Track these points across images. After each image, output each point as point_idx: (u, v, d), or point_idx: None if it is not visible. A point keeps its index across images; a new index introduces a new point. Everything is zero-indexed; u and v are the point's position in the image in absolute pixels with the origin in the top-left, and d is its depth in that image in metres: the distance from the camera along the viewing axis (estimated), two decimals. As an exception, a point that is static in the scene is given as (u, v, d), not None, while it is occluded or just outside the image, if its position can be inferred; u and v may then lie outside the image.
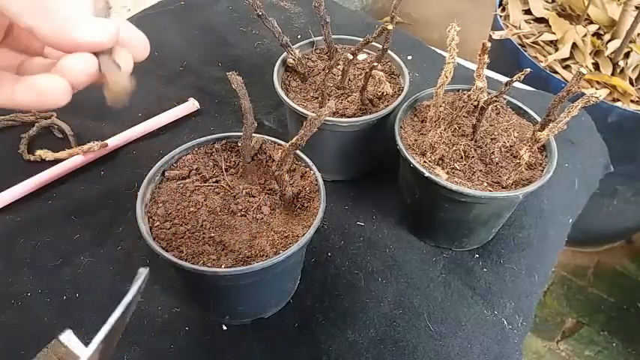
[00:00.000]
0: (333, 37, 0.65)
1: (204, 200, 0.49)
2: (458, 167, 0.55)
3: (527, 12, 1.22)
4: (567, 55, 1.12)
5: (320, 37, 0.66)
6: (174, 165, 0.52)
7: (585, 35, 1.14)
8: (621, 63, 1.11)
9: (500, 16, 1.21)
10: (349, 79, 0.64)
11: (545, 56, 1.14)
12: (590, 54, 1.12)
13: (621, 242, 1.50)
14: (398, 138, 0.55)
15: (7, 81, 0.28)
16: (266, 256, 0.44)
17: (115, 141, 0.68)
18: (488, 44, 0.51)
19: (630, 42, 1.09)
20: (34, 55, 0.32)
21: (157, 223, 0.46)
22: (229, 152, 0.54)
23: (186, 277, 0.50)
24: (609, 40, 1.13)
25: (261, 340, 0.52)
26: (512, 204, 0.57)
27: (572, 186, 0.71)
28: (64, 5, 0.26)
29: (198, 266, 0.43)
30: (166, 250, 0.44)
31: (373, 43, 0.61)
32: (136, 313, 0.53)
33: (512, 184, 0.53)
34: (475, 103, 0.58)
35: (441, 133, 0.56)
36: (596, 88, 1.10)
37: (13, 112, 0.71)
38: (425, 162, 0.54)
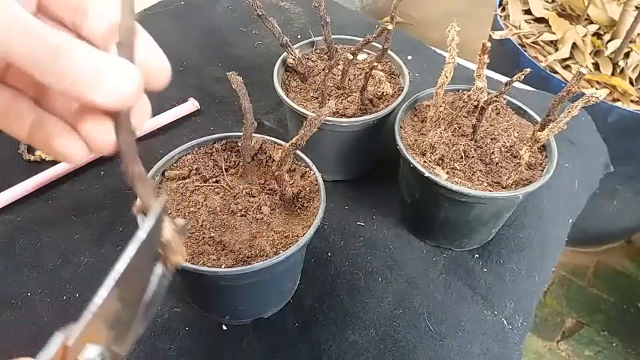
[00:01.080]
0: (333, 37, 0.65)
1: (204, 200, 0.49)
2: (458, 167, 0.55)
3: (527, 12, 1.22)
4: (567, 55, 1.12)
5: (320, 37, 0.66)
6: (174, 165, 0.52)
7: (585, 35, 1.14)
8: (621, 63, 1.11)
9: (500, 16, 1.21)
10: (349, 79, 0.64)
11: (545, 56, 1.14)
12: (590, 54, 1.12)
13: (621, 242, 1.50)
14: (398, 138, 0.55)
15: (24, 114, 0.25)
16: (266, 256, 0.44)
17: (115, 141, 0.68)
18: (488, 44, 0.51)
19: (630, 42, 1.09)
20: None
21: (157, 223, 0.46)
22: (229, 152, 0.54)
23: (186, 277, 0.50)
24: (609, 40, 1.13)
25: (261, 340, 0.52)
26: (512, 204, 0.57)
27: (572, 186, 0.71)
28: (79, 58, 0.21)
29: (198, 266, 0.43)
30: (166, 250, 0.44)
31: (373, 43, 0.61)
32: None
33: (512, 184, 0.53)
34: (475, 103, 0.58)
35: (441, 133, 0.56)
36: (596, 88, 1.10)
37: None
38: (425, 162, 0.54)
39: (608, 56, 1.11)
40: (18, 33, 0.20)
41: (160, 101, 0.75)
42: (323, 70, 0.66)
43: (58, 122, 0.25)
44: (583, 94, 0.49)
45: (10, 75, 0.26)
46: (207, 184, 0.51)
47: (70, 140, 0.24)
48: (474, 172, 0.54)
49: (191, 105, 0.75)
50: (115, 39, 0.22)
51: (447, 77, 0.53)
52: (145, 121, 0.26)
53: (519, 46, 1.12)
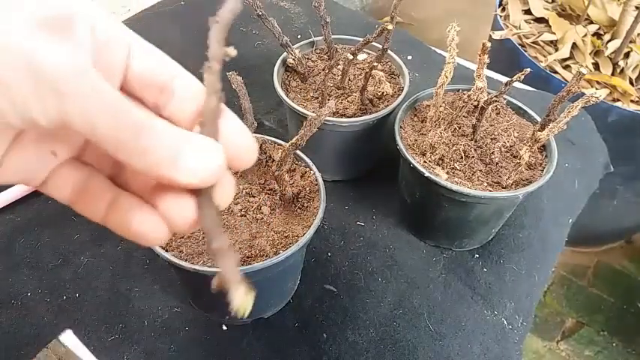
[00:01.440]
0: (333, 37, 0.65)
1: (204, 200, 0.49)
2: (458, 167, 0.55)
3: (527, 12, 1.22)
4: (567, 55, 1.12)
5: (320, 37, 0.66)
6: (174, 165, 0.52)
7: (585, 35, 1.14)
8: (621, 63, 1.11)
9: (500, 16, 1.21)
10: (349, 79, 0.64)
11: (545, 56, 1.14)
12: (590, 54, 1.12)
13: (621, 242, 1.50)
14: (398, 138, 0.55)
15: (101, 193, 0.24)
16: (266, 256, 0.44)
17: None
18: (488, 44, 0.51)
19: (630, 42, 1.09)
20: None
21: (157, 223, 0.46)
22: (229, 152, 0.53)
23: (186, 277, 0.50)
24: (609, 40, 1.13)
25: (261, 340, 0.52)
26: (512, 204, 0.57)
27: (572, 186, 0.71)
28: (160, 136, 0.20)
29: (198, 266, 0.43)
30: (166, 250, 0.44)
31: (373, 43, 0.61)
32: (136, 313, 0.53)
33: (512, 184, 0.53)
34: (475, 103, 0.58)
35: (441, 133, 0.56)
36: (596, 88, 1.10)
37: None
38: (425, 162, 0.54)
39: (608, 56, 1.11)
40: (105, 110, 0.19)
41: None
42: (323, 70, 0.66)
43: (135, 200, 0.24)
44: (583, 94, 0.49)
45: (88, 152, 0.25)
46: (207, 184, 0.51)
47: (148, 218, 0.23)
48: (474, 172, 0.54)
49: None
50: (198, 121, 0.22)
51: (447, 77, 0.53)
52: (229, 201, 0.24)
53: (519, 46, 1.12)
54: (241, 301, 0.21)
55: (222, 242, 0.22)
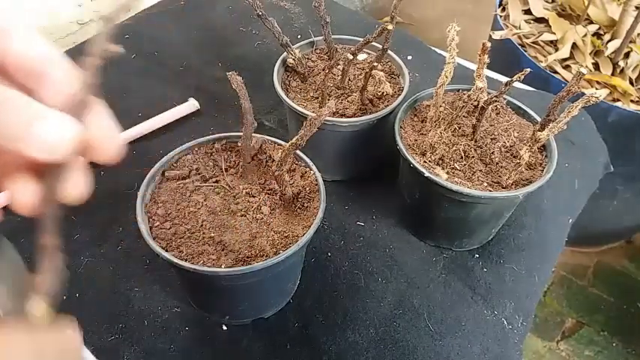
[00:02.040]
0: (333, 37, 0.65)
1: (204, 200, 0.49)
2: (458, 167, 0.55)
3: (527, 12, 1.22)
4: (567, 55, 1.12)
5: (320, 37, 0.66)
6: (174, 165, 0.52)
7: (585, 35, 1.14)
8: (621, 63, 1.11)
9: (501, 16, 1.21)
10: (349, 79, 0.64)
11: (545, 56, 1.14)
12: (590, 54, 1.12)
13: (621, 242, 1.50)
14: (398, 138, 0.55)
15: None
16: (266, 256, 0.44)
17: (114, 141, 0.68)
18: (488, 44, 0.51)
19: (630, 42, 1.09)
20: None
21: (157, 223, 0.46)
22: (229, 152, 0.54)
23: (186, 277, 0.50)
24: (609, 40, 1.13)
25: (261, 340, 0.52)
26: (512, 204, 0.57)
27: (572, 186, 0.71)
28: (16, 105, 0.21)
29: (198, 266, 0.43)
30: (166, 250, 0.44)
31: (373, 43, 0.61)
32: (136, 313, 0.53)
33: (512, 184, 0.53)
34: (475, 103, 0.58)
35: (441, 133, 0.56)
36: (596, 88, 1.10)
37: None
38: (425, 162, 0.54)
39: (608, 56, 1.11)
40: None
41: (160, 101, 0.75)
42: (323, 70, 0.66)
43: None
44: (583, 94, 0.48)
45: None
46: (207, 184, 0.51)
47: None
48: (474, 172, 0.54)
49: (191, 105, 0.74)
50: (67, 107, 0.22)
51: (447, 77, 0.53)
52: (79, 197, 0.24)
53: (519, 46, 1.12)
54: (40, 313, 0.22)
55: (51, 240, 0.23)
